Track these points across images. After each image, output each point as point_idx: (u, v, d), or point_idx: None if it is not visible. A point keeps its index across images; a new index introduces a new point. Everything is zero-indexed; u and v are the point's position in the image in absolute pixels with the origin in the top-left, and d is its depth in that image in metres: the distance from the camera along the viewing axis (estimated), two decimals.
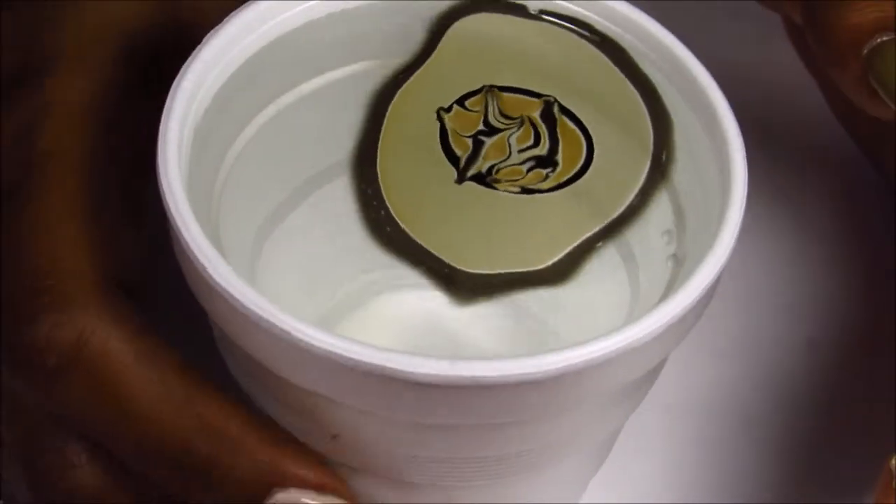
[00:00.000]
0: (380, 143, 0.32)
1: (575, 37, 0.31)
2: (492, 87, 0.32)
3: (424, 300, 0.30)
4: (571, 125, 0.32)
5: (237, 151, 0.31)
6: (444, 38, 0.32)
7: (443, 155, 0.32)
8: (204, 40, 0.30)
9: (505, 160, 0.32)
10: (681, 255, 0.29)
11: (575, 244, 0.31)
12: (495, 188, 0.32)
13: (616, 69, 0.31)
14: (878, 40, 0.32)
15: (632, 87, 0.31)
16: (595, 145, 0.31)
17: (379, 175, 0.32)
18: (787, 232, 0.43)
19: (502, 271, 0.31)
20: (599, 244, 0.31)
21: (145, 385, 0.28)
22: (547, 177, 0.31)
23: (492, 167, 0.32)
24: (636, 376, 0.27)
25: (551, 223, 0.32)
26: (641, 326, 0.26)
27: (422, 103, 0.32)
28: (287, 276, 0.33)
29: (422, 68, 0.32)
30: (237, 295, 0.26)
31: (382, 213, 0.32)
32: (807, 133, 0.45)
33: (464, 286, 0.31)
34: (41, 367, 0.28)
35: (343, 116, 0.32)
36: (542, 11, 0.31)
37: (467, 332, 0.31)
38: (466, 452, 0.28)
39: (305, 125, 0.32)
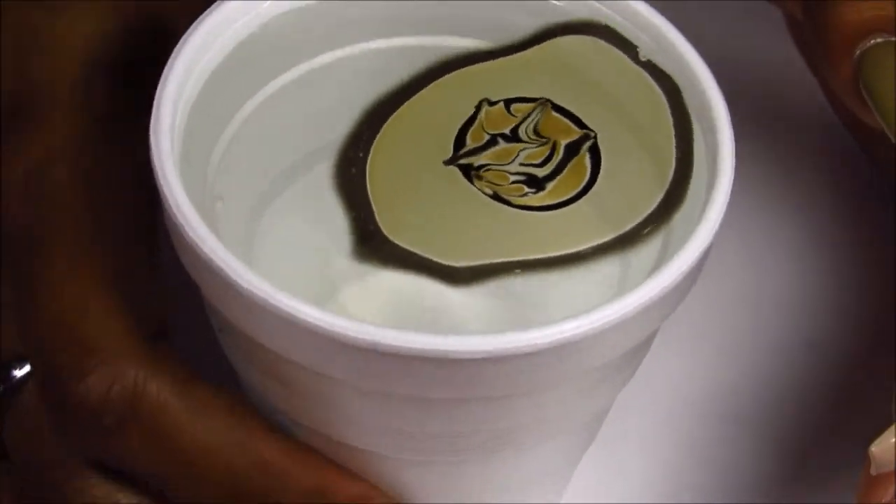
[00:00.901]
0: (399, 110, 0.31)
1: (658, 89, 0.30)
2: (548, 101, 0.31)
3: (411, 283, 0.30)
4: (587, 165, 0.30)
5: (234, 129, 0.31)
6: (545, 44, 0.31)
7: (450, 139, 0.31)
8: (196, 22, 0.30)
9: (501, 165, 0.30)
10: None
11: (497, 260, 0.29)
12: (472, 182, 0.30)
13: (672, 128, 0.30)
14: (872, 42, 0.30)
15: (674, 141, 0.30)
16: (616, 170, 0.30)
17: (375, 142, 0.31)
18: (787, 232, 0.43)
19: (419, 252, 0.29)
20: (518, 270, 0.29)
21: (201, 432, 0.28)
22: (525, 195, 0.30)
23: (484, 165, 0.30)
24: (621, 352, 0.27)
25: (501, 229, 0.30)
26: (624, 303, 0.26)
27: (471, 89, 0.31)
28: (282, 254, 0.31)
29: (502, 59, 0.31)
30: (232, 274, 0.26)
31: (353, 170, 0.30)
32: (807, 134, 0.45)
33: (373, 250, 0.29)
34: (96, 426, 0.28)
35: (350, 94, 0.31)
36: (649, 62, 0.30)
37: (456, 312, 0.30)
38: (466, 426, 0.28)
39: (306, 103, 0.32)
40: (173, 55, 0.29)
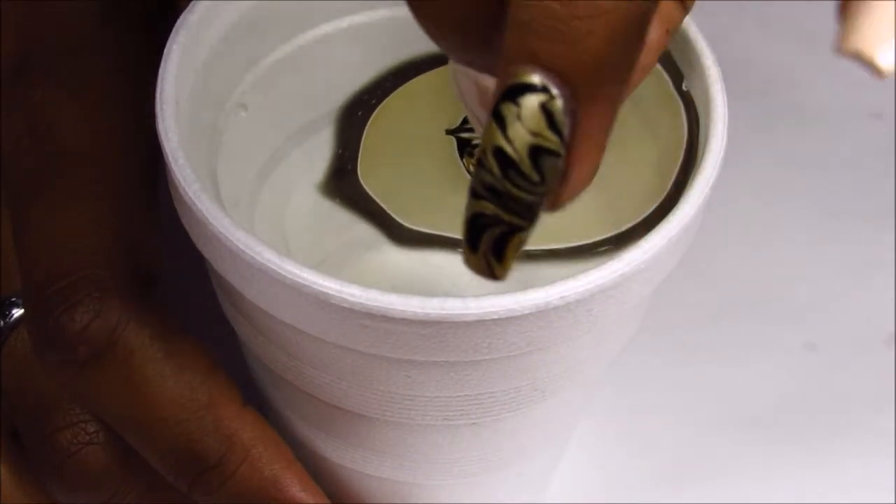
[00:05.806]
0: (432, 72, 0.30)
1: (684, 118, 0.29)
2: None
3: (360, 229, 0.30)
4: None
5: (238, 96, 0.30)
6: None
7: (463, 112, 0.30)
8: None
9: None
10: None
11: (446, 234, 0.29)
12: (461, 157, 0.30)
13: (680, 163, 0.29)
14: None
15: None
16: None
17: (392, 94, 0.30)
18: (787, 234, 0.43)
19: (378, 202, 0.29)
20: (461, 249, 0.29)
21: (170, 384, 0.28)
22: None
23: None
24: (631, 303, 0.26)
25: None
26: (624, 262, 0.25)
27: None
28: (284, 224, 0.31)
29: None
30: (242, 245, 0.25)
31: (360, 113, 0.30)
32: (806, 135, 0.45)
33: (339, 188, 0.29)
34: (71, 356, 0.28)
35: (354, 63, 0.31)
36: (687, 92, 0.29)
37: (454, 283, 0.30)
38: (488, 387, 0.27)
39: (315, 68, 0.31)
40: (177, 24, 0.28)
